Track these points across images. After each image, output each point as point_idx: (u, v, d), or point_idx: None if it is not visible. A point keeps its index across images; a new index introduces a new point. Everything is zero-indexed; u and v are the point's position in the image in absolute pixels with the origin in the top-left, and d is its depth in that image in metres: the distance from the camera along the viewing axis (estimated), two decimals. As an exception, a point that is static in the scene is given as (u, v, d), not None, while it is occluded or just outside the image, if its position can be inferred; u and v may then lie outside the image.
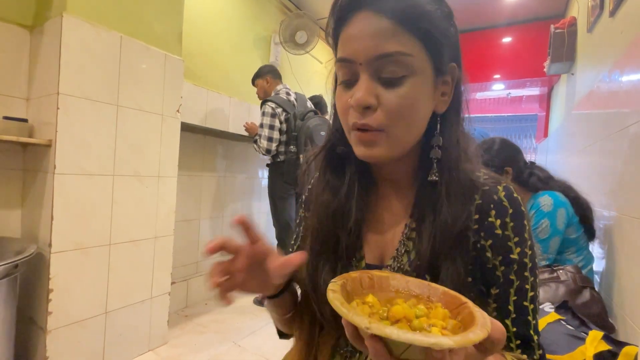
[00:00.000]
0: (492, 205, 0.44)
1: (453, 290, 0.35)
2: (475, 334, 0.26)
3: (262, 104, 2.28)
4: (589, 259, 1.39)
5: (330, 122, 0.53)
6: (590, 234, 1.39)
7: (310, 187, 0.59)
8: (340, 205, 0.50)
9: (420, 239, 0.45)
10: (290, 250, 0.59)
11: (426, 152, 0.47)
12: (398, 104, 0.41)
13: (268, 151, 2.23)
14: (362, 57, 0.41)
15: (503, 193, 0.45)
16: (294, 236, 0.61)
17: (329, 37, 0.47)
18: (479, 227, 0.44)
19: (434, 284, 0.35)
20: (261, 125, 2.23)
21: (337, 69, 0.46)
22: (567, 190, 1.41)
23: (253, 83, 2.47)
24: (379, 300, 0.33)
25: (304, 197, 0.60)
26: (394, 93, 0.41)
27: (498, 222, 0.44)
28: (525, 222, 0.45)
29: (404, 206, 0.50)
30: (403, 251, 0.47)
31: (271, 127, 2.22)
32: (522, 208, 0.45)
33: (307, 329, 0.52)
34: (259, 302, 2.33)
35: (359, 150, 0.44)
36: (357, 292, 0.34)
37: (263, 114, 2.24)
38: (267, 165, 2.43)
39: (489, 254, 0.44)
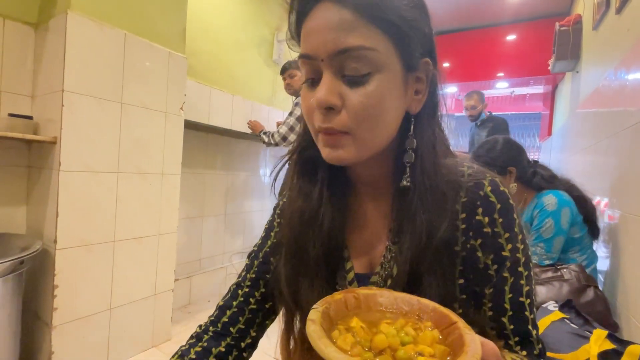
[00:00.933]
0: (478, 202, 0.42)
1: (441, 299, 0.33)
2: None
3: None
4: (593, 257, 1.38)
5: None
6: (594, 233, 1.39)
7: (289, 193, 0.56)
8: (313, 211, 0.47)
9: (401, 247, 0.42)
10: (254, 256, 0.56)
11: (402, 154, 0.43)
12: (363, 104, 0.38)
13: (284, 139, 2.25)
14: (322, 53, 0.38)
15: (489, 188, 0.43)
16: (260, 242, 0.57)
17: (292, 34, 0.43)
18: (466, 226, 0.42)
19: (424, 300, 0.34)
20: (290, 114, 2.27)
21: (301, 66, 0.42)
22: (571, 189, 1.40)
23: (284, 72, 2.39)
24: (365, 323, 0.31)
25: (280, 203, 0.57)
26: (358, 92, 0.38)
27: (486, 219, 0.42)
28: (515, 215, 0.43)
29: (386, 210, 0.47)
30: (390, 257, 0.45)
31: (298, 119, 2.25)
32: (511, 201, 0.43)
33: (297, 355, 0.50)
34: None
35: (325, 153, 0.42)
36: (342, 315, 0.32)
37: (297, 104, 2.27)
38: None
39: (479, 254, 0.42)
